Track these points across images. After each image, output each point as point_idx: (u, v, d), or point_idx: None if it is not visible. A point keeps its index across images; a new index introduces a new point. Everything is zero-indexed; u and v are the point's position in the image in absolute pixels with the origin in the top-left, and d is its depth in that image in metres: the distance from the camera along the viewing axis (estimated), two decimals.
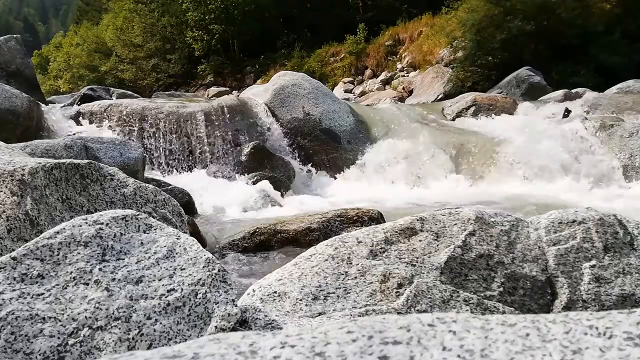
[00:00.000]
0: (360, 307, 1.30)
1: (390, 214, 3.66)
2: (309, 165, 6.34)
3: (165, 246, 1.24)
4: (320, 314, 1.30)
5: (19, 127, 5.16)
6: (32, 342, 1.02)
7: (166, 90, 20.43)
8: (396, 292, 1.33)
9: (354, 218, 3.12)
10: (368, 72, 19.34)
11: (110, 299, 1.10)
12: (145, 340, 1.07)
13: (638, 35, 11.26)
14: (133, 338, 1.07)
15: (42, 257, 1.16)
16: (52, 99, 10.59)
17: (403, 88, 15.84)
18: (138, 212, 1.33)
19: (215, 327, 1.13)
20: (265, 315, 1.27)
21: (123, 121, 6.06)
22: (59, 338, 1.03)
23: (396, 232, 1.49)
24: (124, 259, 1.19)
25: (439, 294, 1.33)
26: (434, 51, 16.32)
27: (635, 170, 5.43)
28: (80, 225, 1.23)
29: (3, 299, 1.06)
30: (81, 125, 6.11)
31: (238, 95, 8.86)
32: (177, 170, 5.92)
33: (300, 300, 1.33)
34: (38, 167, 1.84)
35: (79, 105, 6.99)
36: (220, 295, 1.17)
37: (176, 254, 1.23)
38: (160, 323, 1.10)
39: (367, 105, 11.36)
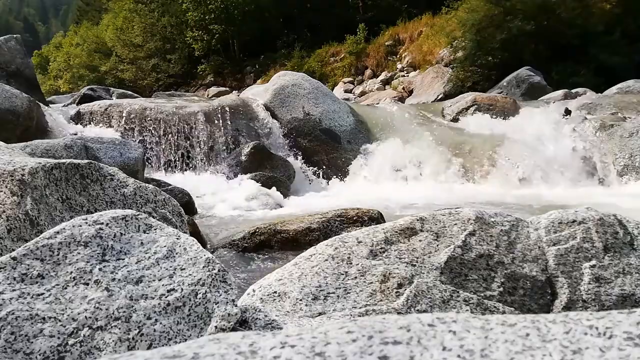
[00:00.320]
0: (360, 307, 1.30)
1: (390, 214, 3.67)
2: (309, 165, 6.34)
3: (165, 246, 1.24)
4: (320, 314, 1.30)
5: (19, 127, 5.16)
6: (32, 342, 1.02)
7: (166, 90, 20.42)
8: (396, 292, 1.33)
9: (354, 218, 3.12)
10: (368, 72, 19.34)
11: (110, 299, 1.10)
12: (145, 340, 1.07)
13: (638, 35, 11.27)
14: (133, 338, 1.07)
15: (42, 257, 1.16)
16: (52, 99, 10.60)
17: (403, 88, 15.84)
18: (138, 212, 1.33)
19: (215, 327, 1.13)
20: (265, 315, 1.27)
21: (123, 121, 6.06)
22: (59, 338, 1.03)
23: (396, 232, 1.49)
24: (124, 259, 1.19)
25: (439, 294, 1.33)
26: (434, 51, 16.33)
27: (635, 170, 5.43)
28: (80, 225, 1.23)
29: (3, 299, 1.06)
30: (81, 125, 6.12)
31: (238, 95, 8.86)
32: (177, 170, 5.92)
33: (300, 300, 1.33)
34: (38, 167, 1.84)
35: (79, 105, 7.00)
36: (220, 295, 1.17)
37: (176, 254, 1.23)
38: (160, 323, 1.10)
39: (367, 105, 11.35)
